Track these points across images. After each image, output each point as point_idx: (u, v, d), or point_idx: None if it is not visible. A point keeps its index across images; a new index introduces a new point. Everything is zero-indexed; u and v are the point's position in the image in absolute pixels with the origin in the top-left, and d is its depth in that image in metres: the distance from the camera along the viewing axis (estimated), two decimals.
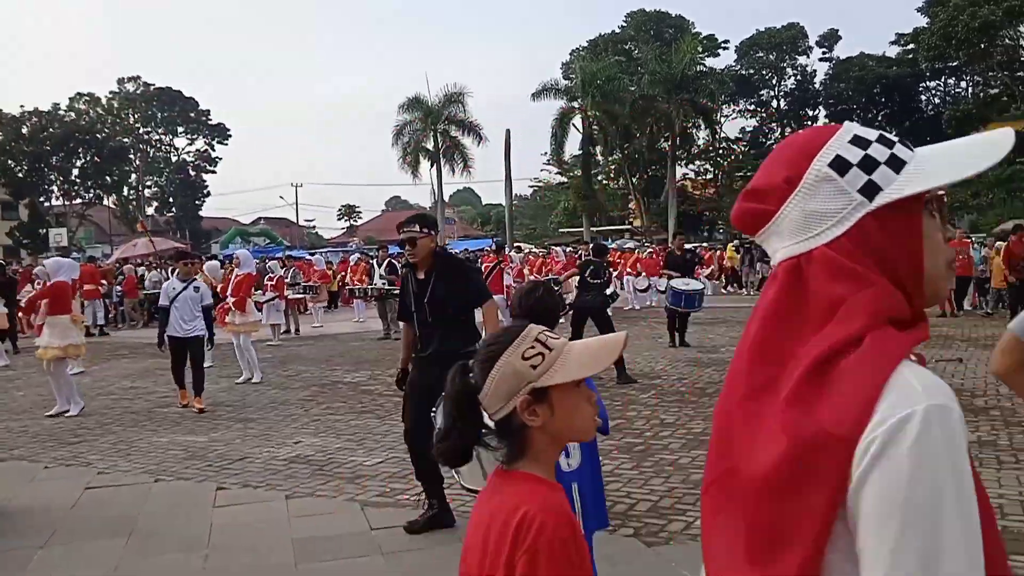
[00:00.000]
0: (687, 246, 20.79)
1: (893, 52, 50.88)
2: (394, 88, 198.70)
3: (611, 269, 12.25)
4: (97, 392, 10.29)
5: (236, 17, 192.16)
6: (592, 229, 47.70)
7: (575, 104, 44.68)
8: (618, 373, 9.63)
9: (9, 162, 49.12)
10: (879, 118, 53.05)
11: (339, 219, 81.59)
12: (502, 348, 1.41)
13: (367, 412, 8.47)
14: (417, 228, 4.69)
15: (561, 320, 12.25)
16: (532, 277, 17.69)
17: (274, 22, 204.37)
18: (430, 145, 45.70)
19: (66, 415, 8.68)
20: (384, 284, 15.46)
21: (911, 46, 47.44)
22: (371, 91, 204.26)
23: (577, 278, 10.62)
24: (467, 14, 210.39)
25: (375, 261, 17.07)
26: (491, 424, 1.43)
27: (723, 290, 26.26)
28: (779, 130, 56.59)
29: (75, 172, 51.92)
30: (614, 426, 7.24)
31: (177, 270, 9.50)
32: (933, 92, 52.19)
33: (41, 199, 51.57)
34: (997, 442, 6.33)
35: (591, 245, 12.48)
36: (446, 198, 53.31)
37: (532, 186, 68.58)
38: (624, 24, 54.36)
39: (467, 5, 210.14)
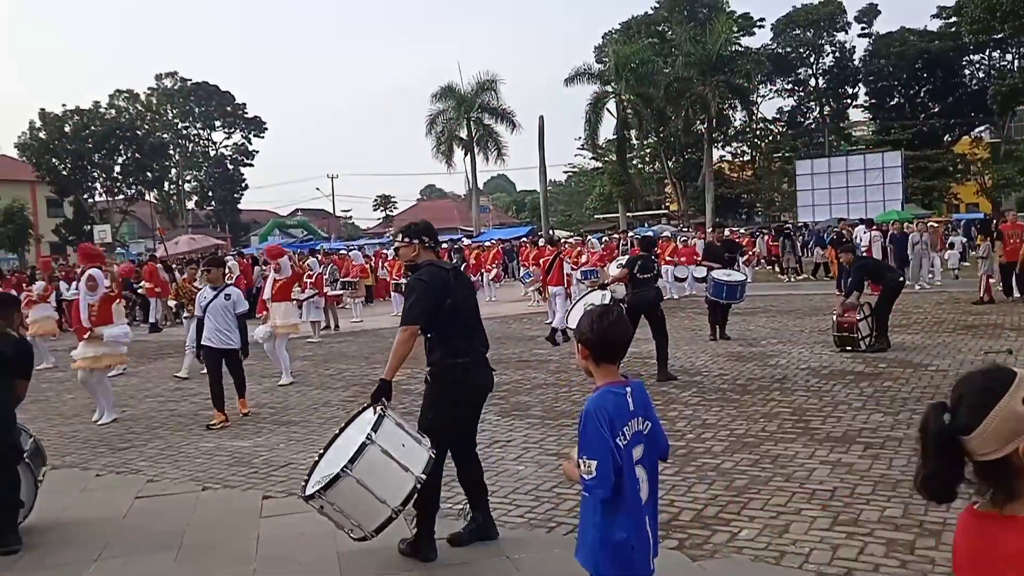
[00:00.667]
0: (726, 232, 20.59)
1: (935, 26, 49.59)
2: (427, 76, 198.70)
3: (659, 262, 12.11)
4: (144, 394, 10.50)
5: (269, 10, 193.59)
6: (628, 215, 47.43)
7: (609, 88, 44.36)
8: (659, 369, 9.57)
9: (53, 160, 50.10)
10: (921, 94, 51.90)
11: (375, 209, 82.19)
12: (999, 392, 1.44)
13: (408, 414, 8.46)
14: (400, 237, 4.91)
15: None
16: (572, 269, 17.57)
17: (306, 13, 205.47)
18: (463, 134, 45.76)
19: (100, 423, 8.82)
20: None
21: (954, 19, 46.12)
22: (405, 80, 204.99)
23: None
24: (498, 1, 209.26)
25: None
26: None
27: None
28: (817, 108, 55.59)
29: (117, 169, 52.80)
30: None
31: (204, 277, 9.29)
32: (977, 66, 50.67)
33: (85, 196, 52.57)
34: None
35: (640, 239, 12.34)
36: (480, 186, 53.34)
37: (567, 172, 68.48)
38: (657, 5, 53.61)
39: None
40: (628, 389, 2.75)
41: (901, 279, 12.01)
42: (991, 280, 15.93)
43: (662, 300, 10.69)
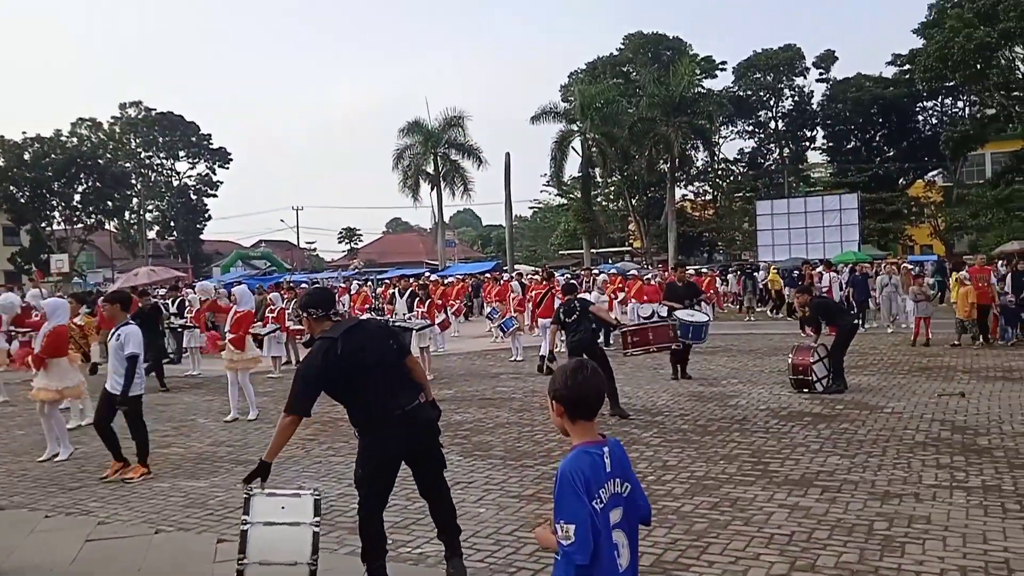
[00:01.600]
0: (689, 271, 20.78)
1: (890, 73, 51.34)
2: (393, 109, 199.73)
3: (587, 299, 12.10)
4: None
5: (236, 42, 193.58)
6: (592, 251, 47.82)
7: (574, 127, 44.98)
8: (611, 404, 9.59)
9: (11, 188, 49.38)
10: (877, 138, 53.43)
11: (340, 242, 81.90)
12: None
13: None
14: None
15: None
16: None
17: (274, 46, 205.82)
18: (430, 168, 45.98)
19: (55, 459, 8.62)
20: (408, 317, 14.75)
21: (908, 67, 47.76)
22: (371, 113, 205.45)
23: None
24: (466, 36, 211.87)
25: (396, 291, 16.58)
26: None
27: (771, 313, 25.99)
28: (777, 150, 56.87)
29: (77, 197, 52.24)
30: None
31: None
32: (930, 112, 52.50)
33: (43, 224, 51.73)
34: (1002, 486, 6.30)
35: (563, 285, 12.18)
36: (446, 220, 53.47)
37: (532, 207, 69.01)
38: (622, 47, 54.75)
39: (466, 27, 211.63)
40: (605, 449, 2.61)
41: (856, 322, 12.26)
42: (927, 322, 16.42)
43: (597, 339, 10.82)
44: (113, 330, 7.90)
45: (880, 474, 6.83)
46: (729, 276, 27.91)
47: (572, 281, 13.39)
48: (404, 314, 15.08)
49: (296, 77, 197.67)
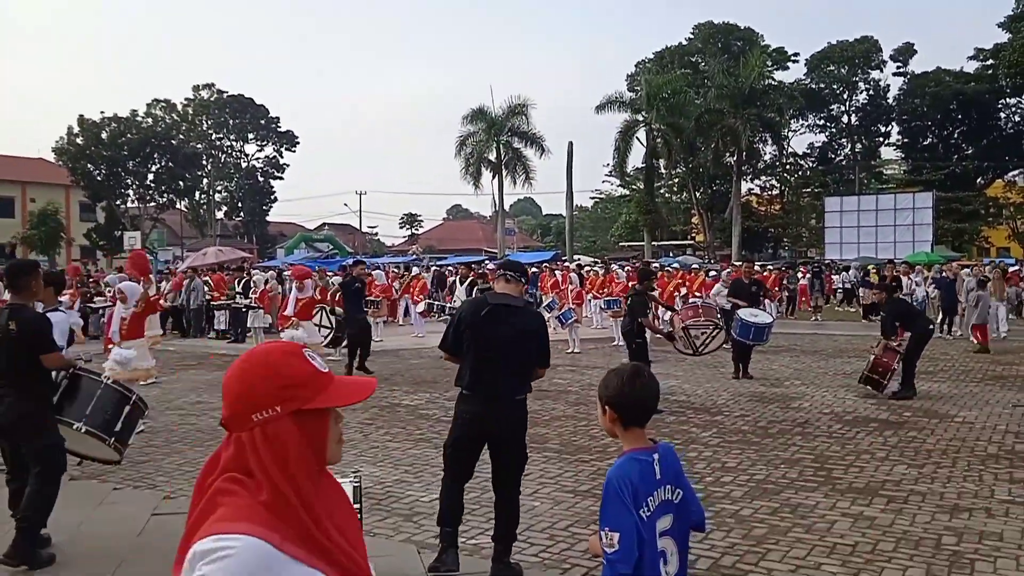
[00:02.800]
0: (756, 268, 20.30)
1: (972, 67, 49.34)
2: (459, 97, 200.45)
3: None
4: (164, 407, 10.55)
5: (307, 27, 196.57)
6: (653, 244, 47.30)
7: (639, 117, 44.44)
8: None
9: (88, 166, 51.00)
10: (955, 135, 51.54)
11: (401, 227, 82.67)
12: None
13: (424, 440, 8.51)
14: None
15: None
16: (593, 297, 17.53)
17: (343, 32, 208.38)
18: (492, 156, 45.98)
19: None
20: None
21: (991, 62, 45.89)
22: (436, 100, 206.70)
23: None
24: (532, 23, 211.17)
25: (456, 279, 16.78)
26: None
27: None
28: (849, 145, 55.32)
29: (150, 176, 53.69)
30: None
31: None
32: (1013, 110, 50.35)
33: (117, 202, 53.40)
34: None
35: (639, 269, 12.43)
36: (507, 208, 53.44)
37: (594, 198, 68.50)
38: (691, 36, 53.82)
39: (533, 14, 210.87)
40: (655, 456, 2.56)
41: (931, 327, 11.86)
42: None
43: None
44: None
45: (949, 486, 6.59)
46: (798, 275, 26.94)
47: (647, 269, 13.19)
48: (461, 301, 15.21)
49: (364, 63, 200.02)
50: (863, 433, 8.55)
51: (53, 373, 5.32)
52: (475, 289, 15.08)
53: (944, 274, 20.12)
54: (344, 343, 16.20)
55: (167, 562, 4.82)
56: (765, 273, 23.95)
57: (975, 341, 15.95)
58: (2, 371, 5.14)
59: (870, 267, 27.53)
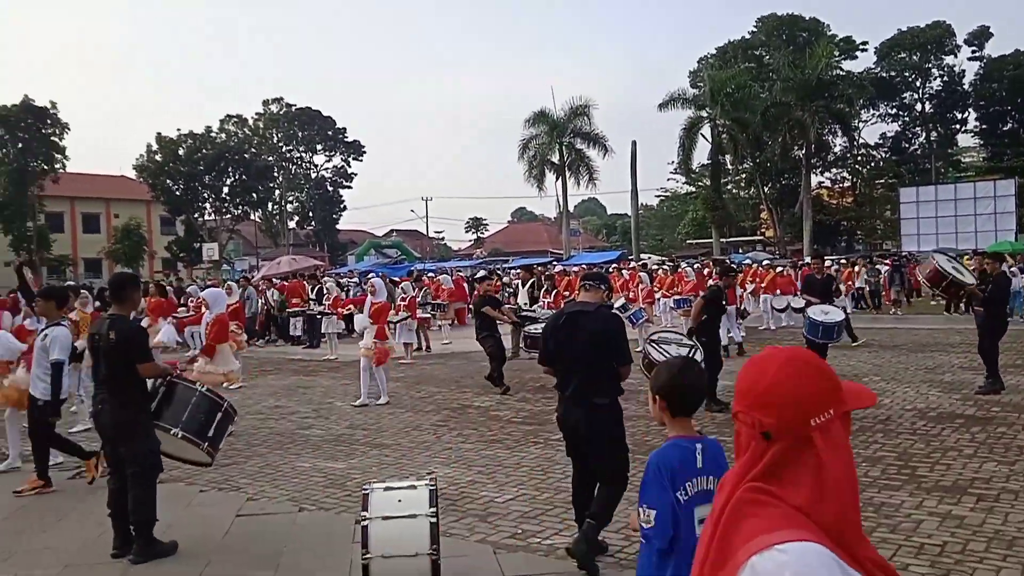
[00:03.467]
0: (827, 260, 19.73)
1: None
2: (519, 100, 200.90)
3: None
4: (245, 411, 10.83)
5: (370, 38, 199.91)
6: (721, 240, 46.57)
7: (703, 113, 43.82)
8: (707, 399, 9.28)
9: (168, 181, 52.93)
10: None
11: (466, 231, 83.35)
12: None
13: (496, 441, 8.56)
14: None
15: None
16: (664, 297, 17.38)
17: (404, 41, 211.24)
18: (555, 158, 45.99)
19: None
20: (526, 306, 14.99)
21: None
22: (498, 103, 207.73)
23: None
24: (593, 24, 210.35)
25: (519, 281, 16.85)
26: None
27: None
28: (923, 134, 53.49)
29: (225, 189, 55.39)
30: None
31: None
32: None
33: (195, 215, 55.27)
34: None
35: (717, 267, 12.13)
36: (571, 209, 53.35)
37: (659, 196, 67.84)
38: (755, 29, 52.80)
39: (592, 15, 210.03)
40: (699, 445, 2.71)
41: (1008, 318, 11.47)
42: None
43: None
44: (41, 329, 7.26)
45: None
46: (880, 268, 25.70)
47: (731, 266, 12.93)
48: (526, 303, 15.26)
49: (426, 71, 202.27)
50: (949, 430, 8.25)
51: (149, 381, 5.57)
52: (542, 290, 15.08)
53: None
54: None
55: (252, 563, 5.00)
56: (836, 268, 23.39)
57: None
58: (103, 379, 5.43)
59: (964, 256, 26.24)
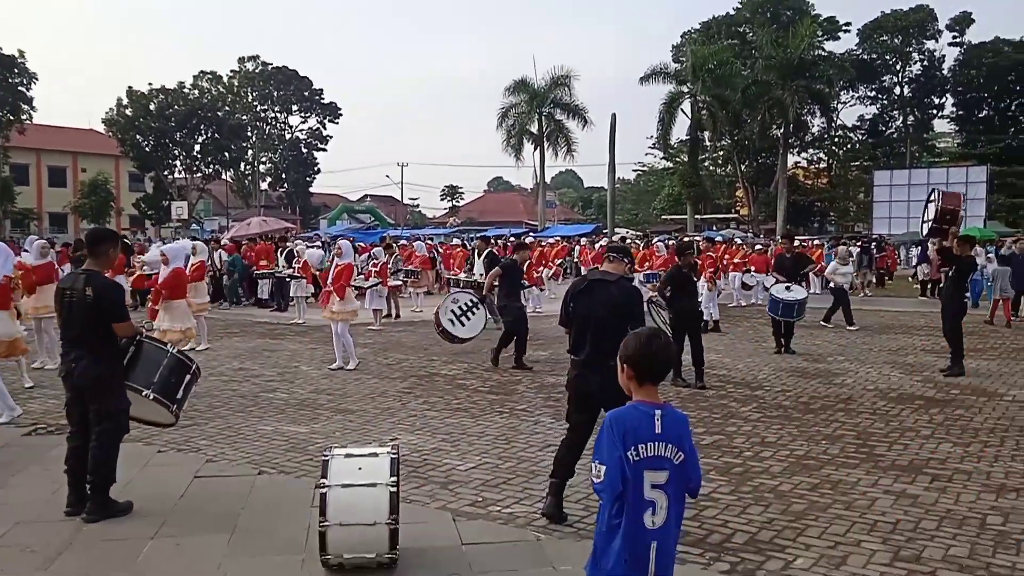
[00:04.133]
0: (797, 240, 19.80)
1: None
2: (500, 68, 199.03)
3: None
4: (208, 372, 10.66)
5: (351, 2, 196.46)
6: (697, 217, 46.73)
7: (684, 88, 43.75)
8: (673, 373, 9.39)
9: (137, 137, 51.92)
10: (1012, 107, 49.81)
11: (442, 199, 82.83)
12: None
13: (462, 410, 8.55)
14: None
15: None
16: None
17: (386, 5, 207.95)
18: (534, 128, 45.74)
19: None
20: (482, 277, 15.00)
21: None
22: (477, 71, 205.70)
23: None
24: None
25: (475, 251, 16.87)
26: None
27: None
28: (900, 118, 53.84)
29: (196, 147, 54.45)
30: (712, 442, 7.07)
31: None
32: None
33: (165, 172, 54.33)
34: None
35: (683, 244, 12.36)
36: (548, 180, 53.21)
37: (636, 170, 67.80)
38: (739, 6, 52.60)
39: None
40: (658, 411, 2.76)
41: (966, 302, 11.73)
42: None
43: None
44: None
45: (996, 465, 6.44)
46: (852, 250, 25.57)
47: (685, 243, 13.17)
48: (481, 274, 15.25)
49: (407, 36, 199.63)
50: (908, 410, 8.37)
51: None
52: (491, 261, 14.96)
53: (1014, 251, 17.61)
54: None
55: (208, 524, 4.95)
56: (808, 248, 23.55)
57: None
58: (77, 335, 5.31)
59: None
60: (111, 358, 5.35)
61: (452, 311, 11.36)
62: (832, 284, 16.09)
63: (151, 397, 5.48)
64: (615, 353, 4.89)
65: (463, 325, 11.33)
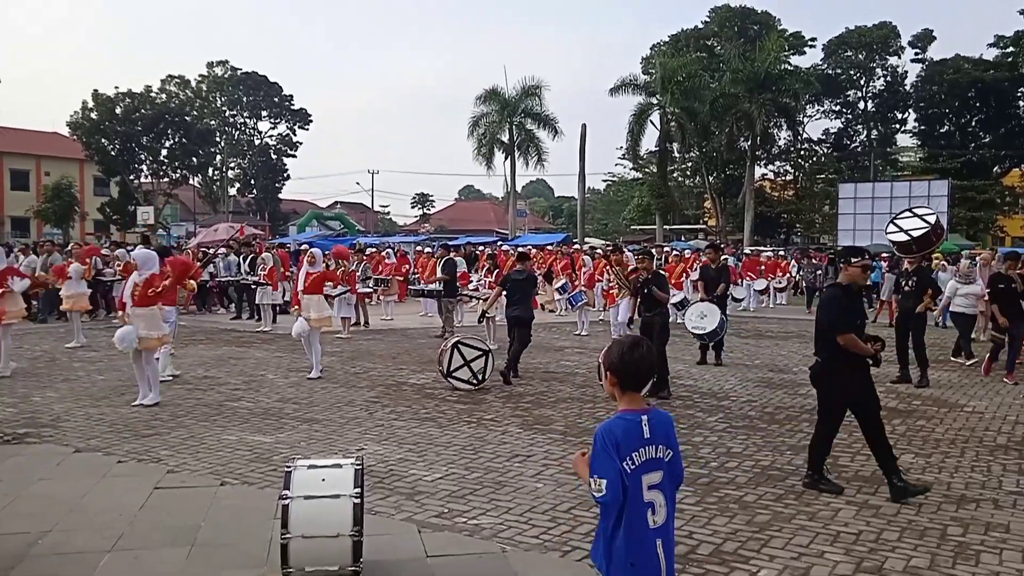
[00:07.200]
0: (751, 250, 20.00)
1: (992, 55, 48.58)
2: (471, 78, 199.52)
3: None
4: (172, 381, 10.57)
5: (322, 6, 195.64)
6: (665, 227, 47.09)
7: (654, 100, 44.10)
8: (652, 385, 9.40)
9: (103, 141, 51.06)
10: (972, 123, 50.89)
11: (412, 207, 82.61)
12: None
13: (429, 420, 8.49)
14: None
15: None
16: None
17: (357, 12, 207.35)
18: (505, 137, 45.79)
19: (143, 405, 8.91)
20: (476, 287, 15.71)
21: (1011, 49, 45.20)
22: (450, 80, 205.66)
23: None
24: (547, 5, 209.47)
25: (437, 258, 17.05)
26: None
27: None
28: (864, 132, 54.72)
29: (164, 152, 53.63)
30: None
31: None
32: None
33: (131, 177, 53.49)
34: None
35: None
36: (519, 189, 53.26)
37: (606, 180, 68.23)
38: (708, 20, 53.24)
39: None
40: (644, 417, 2.84)
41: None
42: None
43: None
44: None
45: (957, 476, 6.53)
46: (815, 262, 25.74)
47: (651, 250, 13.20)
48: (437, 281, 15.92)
49: (379, 44, 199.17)
50: None
51: None
52: (483, 271, 15.18)
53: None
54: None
55: (167, 537, 4.83)
56: (774, 259, 23.83)
57: None
58: None
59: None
60: None
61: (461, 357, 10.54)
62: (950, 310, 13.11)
63: None
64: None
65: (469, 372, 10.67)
